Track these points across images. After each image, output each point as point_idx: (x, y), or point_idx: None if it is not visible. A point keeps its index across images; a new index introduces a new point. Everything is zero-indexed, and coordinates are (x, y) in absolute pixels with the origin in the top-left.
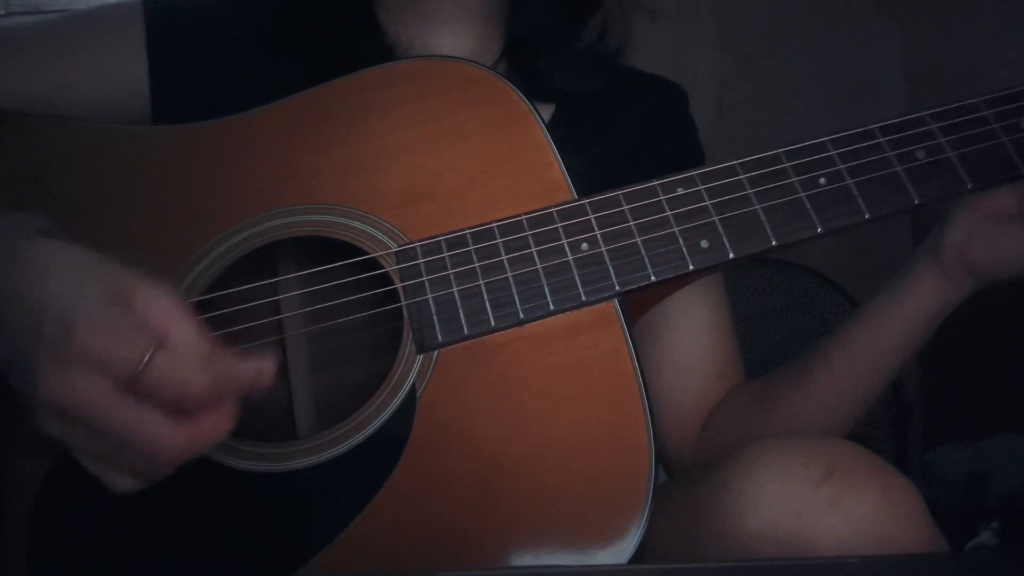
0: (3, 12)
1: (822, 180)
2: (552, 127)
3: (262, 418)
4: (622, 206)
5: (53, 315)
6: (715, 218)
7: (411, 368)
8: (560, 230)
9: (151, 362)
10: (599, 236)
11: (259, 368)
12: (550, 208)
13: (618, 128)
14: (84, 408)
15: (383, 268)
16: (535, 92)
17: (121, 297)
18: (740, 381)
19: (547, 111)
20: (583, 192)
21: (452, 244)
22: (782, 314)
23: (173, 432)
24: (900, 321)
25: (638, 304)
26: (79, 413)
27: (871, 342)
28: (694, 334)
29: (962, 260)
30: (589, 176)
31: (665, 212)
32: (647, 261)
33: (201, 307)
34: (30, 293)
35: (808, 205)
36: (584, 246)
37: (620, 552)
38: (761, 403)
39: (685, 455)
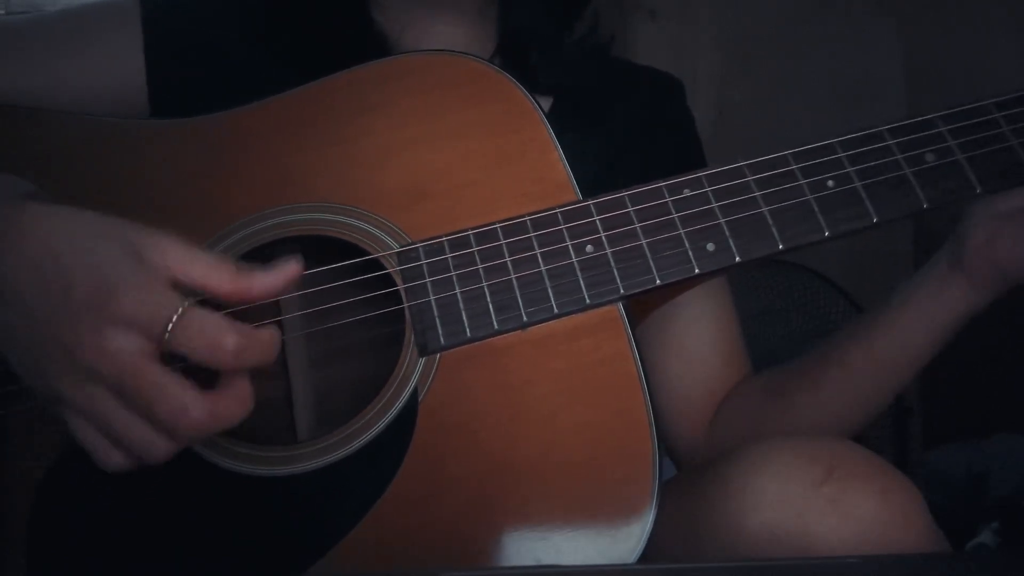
0: (3, 11)
1: (830, 183)
2: (550, 121)
3: (262, 419)
4: (627, 207)
5: (84, 280)
6: (721, 220)
7: (413, 371)
8: (564, 231)
9: (182, 318)
10: (604, 238)
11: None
12: (554, 209)
13: (615, 121)
14: (117, 367)
15: (385, 269)
16: (530, 86)
17: (137, 252)
18: (748, 372)
19: (544, 104)
20: (581, 184)
21: (455, 245)
22: (782, 314)
23: (197, 401)
24: (923, 327)
25: (642, 306)
26: (111, 372)
27: (890, 343)
28: (699, 324)
29: (989, 262)
30: (587, 170)
31: (671, 214)
32: (652, 264)
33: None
34: (45, 257)
35: (816, 208)
36: (589, 248)
37: (624, 555)
38: (773, 397)
39: (695, 447)
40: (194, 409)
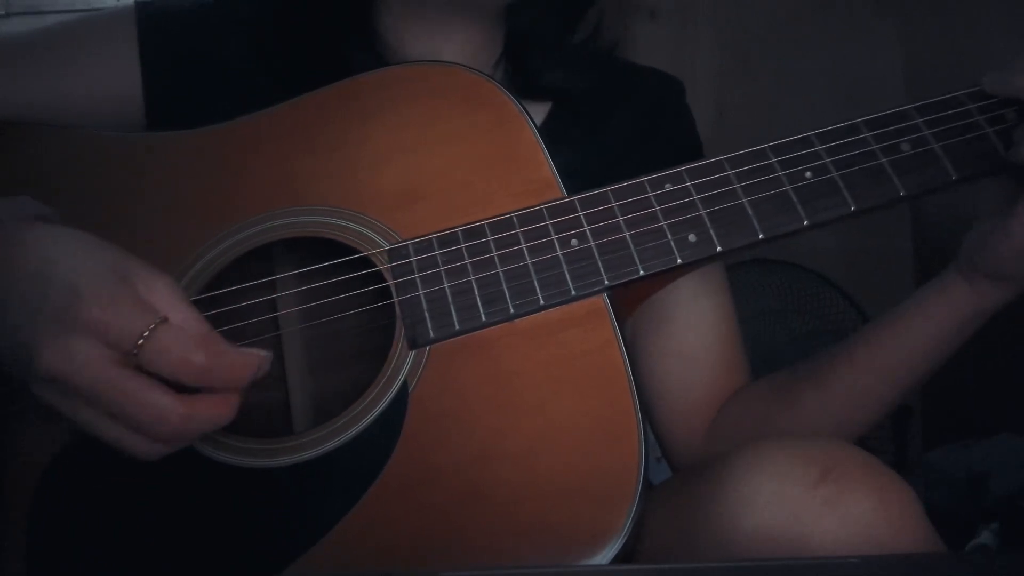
0: (3, 12)
1: (808, 174)
2: (549, 125)
3: (259, 417)
4: (611, 202)
5: (59, 287)
6: (702, 212)
7: (403, 364)
8: (550, 227)
9: (152, 335)
10: (588, 232)
11: (258, 356)
12: (540, 205)
13: (615, 122)
14: (87, 376)
15: (376, 266)
16: (532, 90)
17: (125, 276)
18: (747, 373)
19: (543, 109)
20: (580, 187)
21: (443, 242)
22: (782, 314)
23: (174, 406)
24: (926, 327)
25: (628, 300)
26: (82, 382)
27: (896, 344)
28: (699, 325)
29: (969, 263)
30: (587, 171)
31: (653, 207)
32: (636, 255)
33: (197, 307)
34: (32, 271)
35: (794, 198)
36: (573, 242)
37: (610, 544)
38: (780, 397)
39: (694, 449)
40: (171, 414)
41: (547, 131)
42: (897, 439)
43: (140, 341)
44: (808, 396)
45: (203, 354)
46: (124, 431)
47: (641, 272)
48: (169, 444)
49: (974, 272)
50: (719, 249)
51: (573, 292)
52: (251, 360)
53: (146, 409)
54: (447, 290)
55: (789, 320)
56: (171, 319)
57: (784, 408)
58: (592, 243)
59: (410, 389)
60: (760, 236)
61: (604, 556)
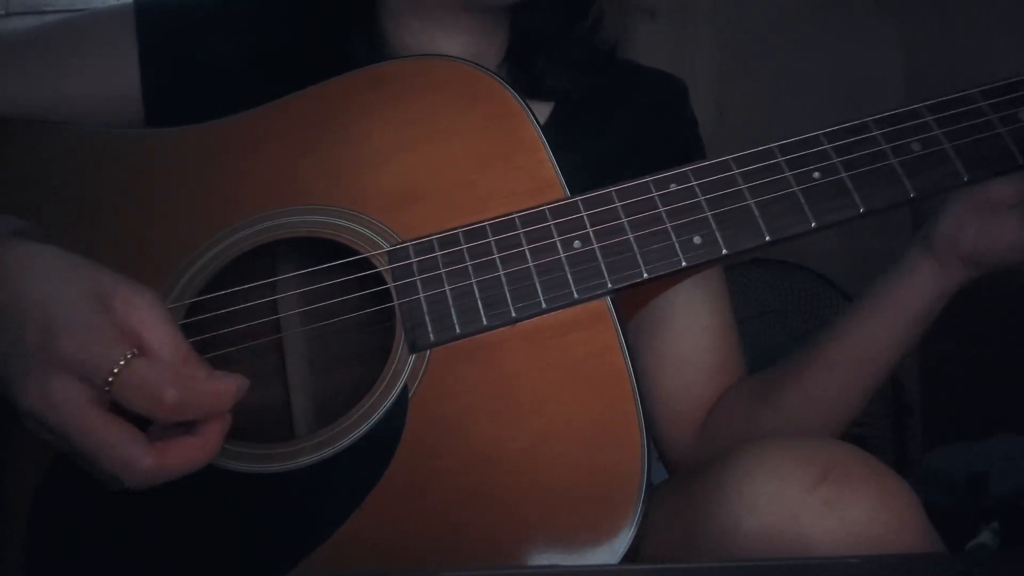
0: (3, 12)
1: (816, 174)
2: (551, 125)
3: (261, 421)
4: (615, 203)
5: (35, 321)
6: (708, 213)
7: (404, 367)
8: (552, 228)
9: (123, 371)
10: (591, 233)
11: (235, 383)
12: (542, 206)
13: (617, 123)
14: (59, 418)
15: (376, 268)
16: (535, 90)
17: (102, 301)
18: (741, 376)
19: (546, 109)
20: (583, 188)
21: (444, 243)
22: (782, 314)
23: (142, 455)
24: (896, 313)
25: (631, 302)
26: (54, 423)
27: (868, 336)
28: (695, 329)
29: (953, 248)
30: (589, 172)
31: (658, 208)
32: (639, 258)
33: (196, 308)
34: (9, 298)
35: (802, 199)
36: (576, 244)
37: (613, 547)
38: (762, 398)
39: (686, 450)
40: (139, 462)
41: (549, 131)
42: (897, 439)
43: (111, 378)
44: (789, 395)
45: (174, 390)
46: (99, 470)
47: (645, 275)
48: (143, 487)
49: (950, 255)
50: (725, 252)
51: (576, 295)
52: (227, 388)
53: (114, 457)
54: (448, 293)
55: (789, 320)
56: (147, 341)
57: (767, 408)
58: (595, 245)
59: (410, 394)
60: (767, 238)
61: (606, 559)
